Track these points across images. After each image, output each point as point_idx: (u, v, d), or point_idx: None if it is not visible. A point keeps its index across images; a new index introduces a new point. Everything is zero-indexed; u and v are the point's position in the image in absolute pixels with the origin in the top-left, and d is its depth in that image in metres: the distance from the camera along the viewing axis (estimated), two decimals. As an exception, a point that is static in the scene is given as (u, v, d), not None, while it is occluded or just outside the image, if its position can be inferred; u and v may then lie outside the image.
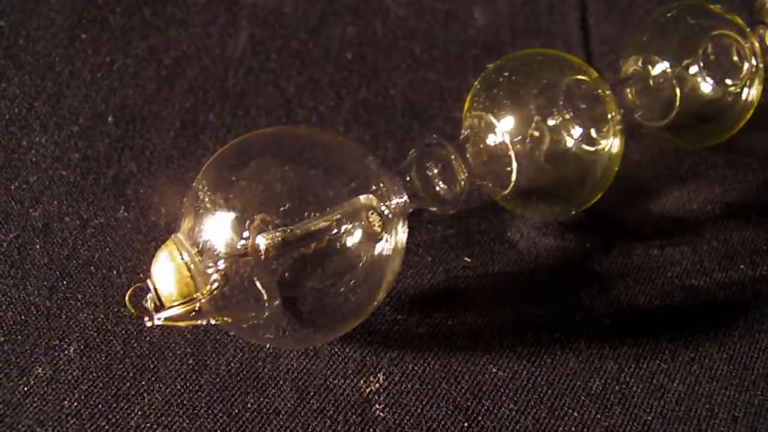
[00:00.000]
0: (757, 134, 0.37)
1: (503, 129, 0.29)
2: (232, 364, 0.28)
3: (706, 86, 0.34)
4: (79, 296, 0.30)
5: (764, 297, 0.32)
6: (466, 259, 0.31)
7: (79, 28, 0.39)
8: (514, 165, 0.29)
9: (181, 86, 0.37)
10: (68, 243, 0.32)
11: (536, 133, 0.29)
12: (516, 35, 0.40)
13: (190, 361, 0.29)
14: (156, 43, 0.39)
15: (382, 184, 0.27)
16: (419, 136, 0.34)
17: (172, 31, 0.39)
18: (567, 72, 0.30)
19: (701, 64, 0.33)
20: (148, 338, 0.29)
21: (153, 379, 0.28)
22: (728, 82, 0.34)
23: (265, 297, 0.24)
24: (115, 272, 0.31)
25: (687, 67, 0.33)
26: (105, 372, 0.28)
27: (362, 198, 0.27)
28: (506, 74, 0.29)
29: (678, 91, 0.33)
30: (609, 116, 0.30)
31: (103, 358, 0.29)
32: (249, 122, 0.35)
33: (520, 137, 0.29)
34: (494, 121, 0.29)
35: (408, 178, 0.28)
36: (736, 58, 0.34)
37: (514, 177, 0.29)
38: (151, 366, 0.29)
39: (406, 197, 0.28)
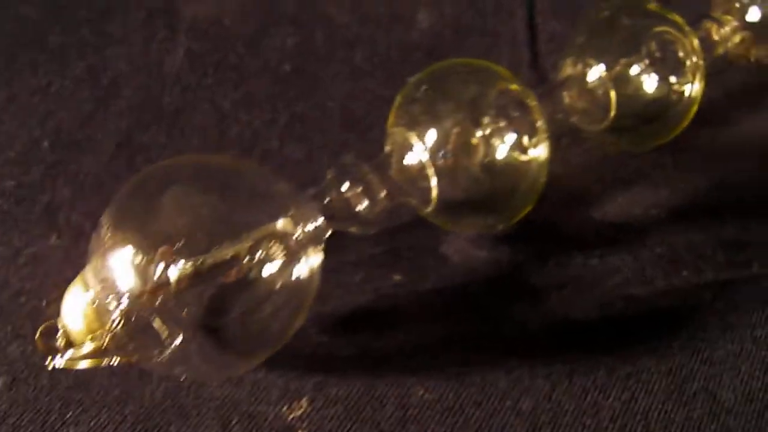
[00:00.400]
0: (705, 130, 0.36)
1: (422, 145, 0.28)
2: (156, 394, 0.28)
3: (650, 85, 0.33)
4: (9, 328, 0.30)
5: (707, 304, 0.31)
6: (396, 276, 0.31)
7: (17, 49, 0.39)
8: (434, 181, 0.28)
9: (117, 107, 0.36)
10: (0, 273, 0.32)
11: (460, 147, 0.28)
12: (460, 36, 0.39)
13: (115, 392, 0.28)
14: (94, 63, 0.38)
15: (296, 209, 0.26)
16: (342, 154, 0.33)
17: (111, 50, 0.39)
18: (491, 82, 0.29)
19: (643, 63, 0.32)
20: (74, 371, 0.29)
21: (79, 411, 0.28)
22: (672, 79, 0.33)
23: (165, 335, 0.24)
24: (44, 303, 0.31)
25: (628, 67, 0.32)
26: (32, 405, 0.28)
27: (275, 224, 0.26)
28: (425, 88, 0.29)
29: (613, 93, 0.32)
30: (537, 125, 0.29)
31: (31, 391, 0.29)
32: (183, 142, 0.35)
33: (441, 152, 0.28)
34: (413, 137, 0.28)
35: (326, 200, 0.28)
36: (679, 54, 0.33)
37: (434, 194, 0.28)
38: (77, 398, 0.28)
39: (322, 220, 0.27)
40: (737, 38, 0.37)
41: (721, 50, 0.36)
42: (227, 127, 0.35)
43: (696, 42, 0.33)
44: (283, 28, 0.39)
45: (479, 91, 0.28)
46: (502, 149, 0.29)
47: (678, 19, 0.33)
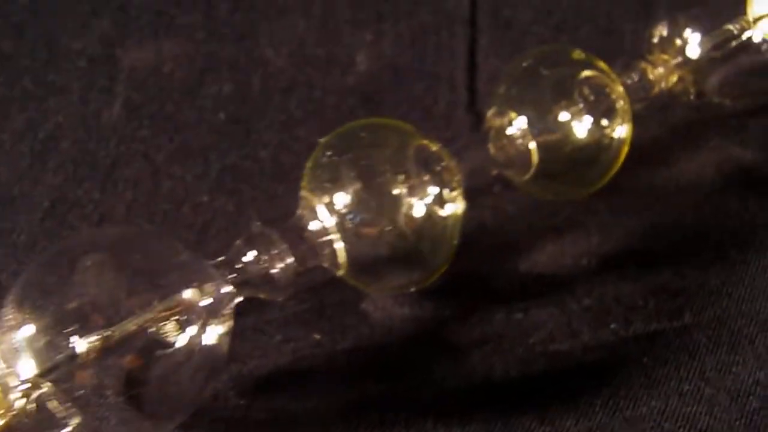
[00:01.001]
0: (643, 172, 0.35)
1: (327, 210, 0.28)
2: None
3: (576, 132, 0.32)
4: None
5: (633, 359, 0.30)
6: (316, 335, 0.31)
7: (-40, 105, 0.39)
8: (339, 245, 0.28)
9: (54, 161, 0.37)
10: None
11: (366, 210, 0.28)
12: (398, 79, 0.39)
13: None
14: (34, 115, 0.38)
15: (202, 278, 0.27)
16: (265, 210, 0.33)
17: (51, 101, 0.39)
18: (398, 141, 0.29)
19: (568, 110, 0.32)
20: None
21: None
22: (600, 124, 0.33)
23: (62, 415, 0.24)
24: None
25: (551, 115, 0.32)
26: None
27: (181, 294, 0.26)
28: (329, 153, 0.28)
29: (534, 144, 0.31)
30: (450, 181, 0.29)
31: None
32: (116, 197, 0.35)
33: (349, 216, 0.28)
34: (319, 201, 0.28)
35: (235, 267, 0.28)
36: (605, 99, 0.33)
37: (342, 258, 0.28)
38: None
39: (230, 289, 0.27)
40: (674, 77, 0.36)
41: (657, 90, 0.35)
42: (160, 180, 0.35)
43: (620, 88, 0.33)
44: (220, 73, 0.39)
45: (386, 152, 0.28)
46: (413, 209, 0.28)
47: (602, 64, 0.33)
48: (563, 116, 0.32)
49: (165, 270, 0.26)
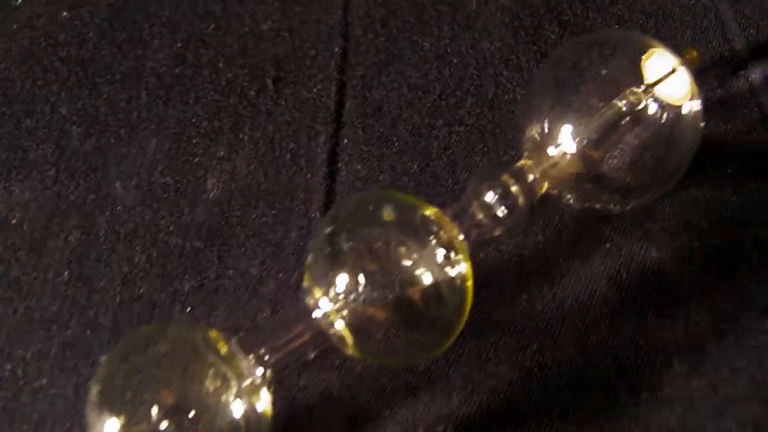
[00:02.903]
0: (521, 297, 0.31)
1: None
2: None
3: (426, 278, 0.28)
4: None
5: None
6: None
7: None
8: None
9: None
10: None
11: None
12: (249, 206, 0.35)
13: None
14: None
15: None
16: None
17: None
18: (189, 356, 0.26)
19: (383, 279, 0.27)
20: None
21: None
22: (448, 271, 0.28)
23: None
24: None
25: (369, 284, 0.27)
26: None
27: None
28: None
29: (341, 323, 0.27)
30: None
31: None
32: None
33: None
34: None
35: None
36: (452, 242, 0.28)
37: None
38: None
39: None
40: (545, 184, 0.30)
41: (525, 201, 0.30)
42: (1, 362, 0.34)
43: (456, 232, 0.28)
44: (68, 219, 0.36)
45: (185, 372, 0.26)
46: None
47: (429, 209, 0.28)
48: (374, 290, 0.27)
49: None
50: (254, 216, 0.35)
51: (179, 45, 0.42)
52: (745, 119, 0.36)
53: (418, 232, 0.27)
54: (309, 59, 0.40)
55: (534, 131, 0.31)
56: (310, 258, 0.27)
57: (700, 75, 0.37)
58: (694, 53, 0.34)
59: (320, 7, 0.43)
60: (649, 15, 0.41)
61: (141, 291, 0.34)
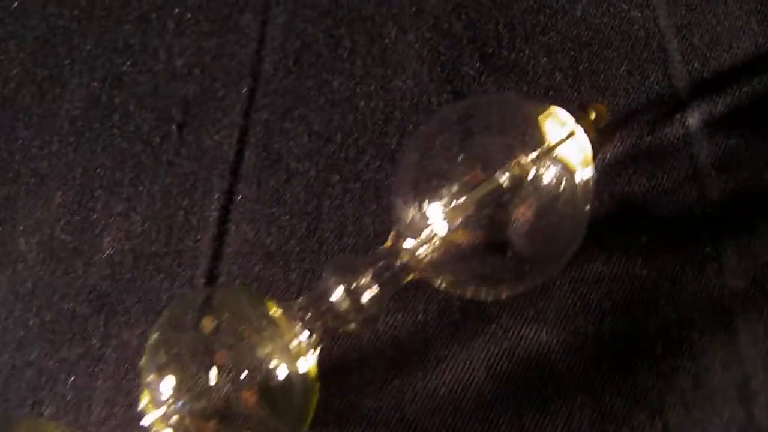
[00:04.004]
0: (369, 397, 0.29)
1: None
2: None
3: (260, 381, 0.26)
4: None
5: None
6: None
7: None
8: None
9: None
10: None
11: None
12: (140, 263, 0.34)
13: None
14: None
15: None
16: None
17: None
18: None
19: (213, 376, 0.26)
20: None
21: None
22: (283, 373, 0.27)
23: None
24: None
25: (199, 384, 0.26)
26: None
27: None
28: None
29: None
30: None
31: None
32: None
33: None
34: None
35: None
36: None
37: None
38: None
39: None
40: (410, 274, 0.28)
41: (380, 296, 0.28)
42: None
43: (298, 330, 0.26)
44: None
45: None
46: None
47: (272, 308, 0.26)
48: (201, 397, 0.26)
49: None
50: (141, 281, 0.34)
51: (95, 84, 0.41)
52: (673, 174, 0.32)
53: (254, 334, 0.26)
54: (216, 101, 0.39)
55: (403, 210, 0.28)
56: (142, 362, 0.26)
57: (625, 122, 0.34)
58: (602, 109, 0.30)
59: (235, 39, 0.40)
60: (584, 45, 0.36)
61: (32, 357, 0.34)
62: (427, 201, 0.28)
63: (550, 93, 0.35)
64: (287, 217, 0.34)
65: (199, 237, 0.35)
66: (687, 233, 0.31)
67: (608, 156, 0.33)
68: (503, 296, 0.29)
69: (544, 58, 0.36)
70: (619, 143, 0.33)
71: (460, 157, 0.28)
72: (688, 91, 0.34)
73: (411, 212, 0.28)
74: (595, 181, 0.30)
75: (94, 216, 0.37)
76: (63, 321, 0.35)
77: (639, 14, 0.37)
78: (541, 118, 0.29)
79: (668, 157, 0.33)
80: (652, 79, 0.35)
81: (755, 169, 0.32)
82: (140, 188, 0.37)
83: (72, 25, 0.43)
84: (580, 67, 0.36)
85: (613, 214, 0.32)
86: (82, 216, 0.37)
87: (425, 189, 0.28)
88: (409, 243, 0.28)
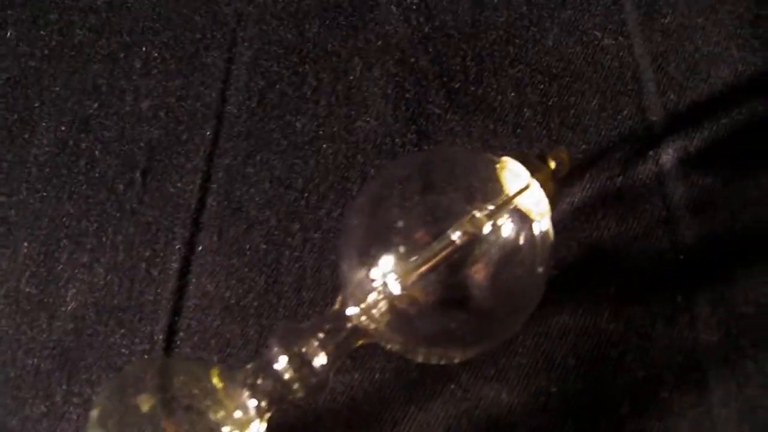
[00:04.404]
0: None
1: None
2: None
3: None
4: None
5: None
6: None
7: None
8: None
9: None
10: None
11: None
12: (102, 317, 0.34)
13: None
14: None
15: None
16: None
17: None
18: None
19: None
20: None
21: None
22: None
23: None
24: None
25: None
26: None
27: None
28: None
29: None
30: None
31: None
32: None
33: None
34: None
35: None
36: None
37: None
38: None
39: None
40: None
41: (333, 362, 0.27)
42: None
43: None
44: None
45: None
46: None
47: (214, 378, 0.26)
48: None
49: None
50: (103, 336, 0.34)
51: (63, 129, 0.40)
52: (645, 217, 0.31)
53: (196, 406, 0.25)
54: (180, 144, 0.38)
55: (348, 275, 0.27)
56: None
57: (595, 161, 0.32)
58: (563, 157, 0.29)
59: (201, 79, 0.40)
60: (554, 77, 0.35)
61: (-5, 418, 0.34)
62: (372, 265, 0.27)
63: (518, 131, 0.34)
64: (246, 269, 0.34)
65: (159, 290, 0.34)
66: (658, 282, 0.30)
67: (576, 199, 0.32)
68: (456, 361, 0.28)
69: (513, 93, 0.35)
70: (588, 184, 0.32)
71: (408, 217, 0.27)
72: (662, 125, 0.33)
73: (356, 277, 0.27)
74: (562, 228, 0.28)
75: (59, 267, 0.36)
76: (27, 377, 0.34)
77: (613, 42, 0.35)
78: (495, 171, 0.27)
79: (640, 199, 0.31)
80: (625, 113, 0.33)
81: (732, 211, 0.30)
82: (104, 239, 0.37)
83: (42, 66, 0.43)
84: (550, 102, 0.34)
85: (581, 261, 0.30)
86: (48, 267, 0.37)
87: (370, 252, 0.27)
88: (353, 309, 0.27)
